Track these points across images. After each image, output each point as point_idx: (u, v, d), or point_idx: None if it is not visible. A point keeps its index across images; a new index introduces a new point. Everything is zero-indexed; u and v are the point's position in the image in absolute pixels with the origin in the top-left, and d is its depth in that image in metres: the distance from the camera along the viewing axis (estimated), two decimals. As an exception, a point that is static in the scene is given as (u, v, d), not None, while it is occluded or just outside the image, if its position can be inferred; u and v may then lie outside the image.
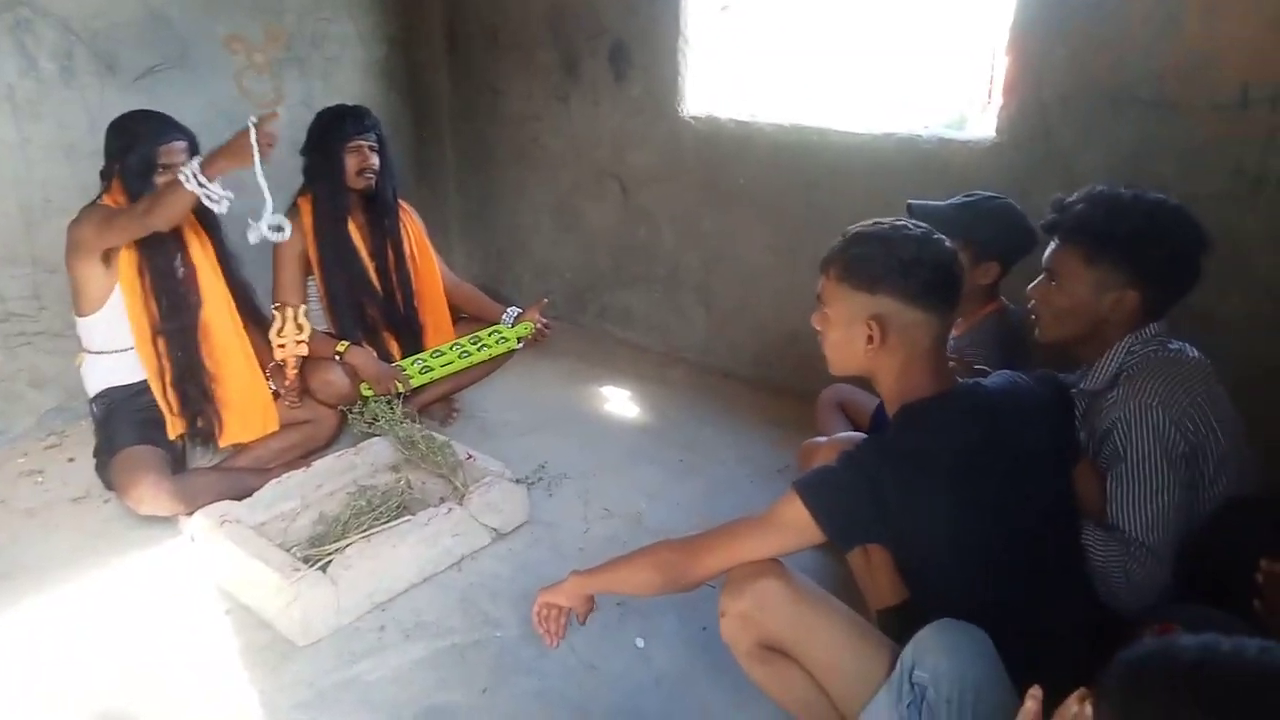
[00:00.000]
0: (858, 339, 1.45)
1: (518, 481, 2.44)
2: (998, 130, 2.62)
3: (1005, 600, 1.42)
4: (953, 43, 2.80)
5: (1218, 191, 2.29)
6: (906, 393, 1.46)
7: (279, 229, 2.20)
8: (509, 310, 2.96)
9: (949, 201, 2.23)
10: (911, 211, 2.22)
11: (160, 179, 2.36)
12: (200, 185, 2.12)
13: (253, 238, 2.20)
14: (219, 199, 2.16)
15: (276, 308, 2.60)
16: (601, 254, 3.76)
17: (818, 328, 1.53)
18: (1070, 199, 1.75)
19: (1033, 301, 1.81)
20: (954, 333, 2.31)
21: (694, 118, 3.28)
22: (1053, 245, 1.77)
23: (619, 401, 3.23)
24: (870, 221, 1.48)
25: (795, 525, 1.41)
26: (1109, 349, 1.71)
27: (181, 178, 2.13)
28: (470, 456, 2.49)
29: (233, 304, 2.59)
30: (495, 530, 2.34)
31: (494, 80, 3.85)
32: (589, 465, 2.71)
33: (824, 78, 3.07)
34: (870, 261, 1.42)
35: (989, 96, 2.64)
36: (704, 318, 3.52)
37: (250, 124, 2.10)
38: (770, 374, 3.32)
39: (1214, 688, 0.74)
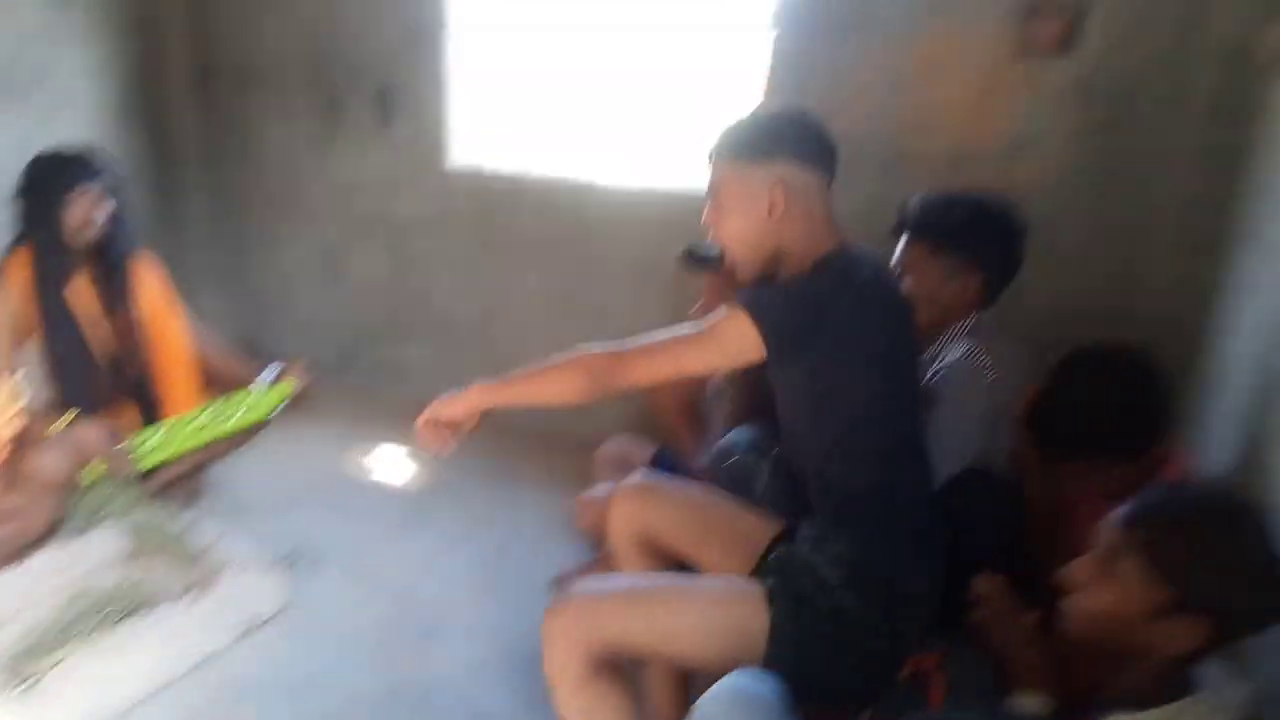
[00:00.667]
0: (759, 212, 1.48)
1: (272, 564, 2.23)
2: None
3: (912, 434, 1.55)
4: (713, 99, 2.91)
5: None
6: (815, 254, 1.49)
7: None
8: (266, 370, 2.72)
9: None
10: (691, 253, 2.29)
11: None
12: None
13: None
14: None
15: None
16: (372, 306, 3.58)
17: (710, 223, 1.57)
18: (912, 203, 1.97)
19: None
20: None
21: (464, 167, 3.21)
22: (901, 243, 1.94)
23: (393, 464, 3.05)
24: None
25: (737, 337, 1.42)
26: (955, 324, 1.90)
27: None
28: (217, 540, 2.25)
29: None
30: (247, 622, 2.12)
31: (249, 123, 3.60)
32: (357, 538, 2.53)
33: (592, 130, 3.09)
34: (763, 133, 1.50)
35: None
36: (482, 369, 3.40)
37: None
38: (551, 425, 3.25)
39: None
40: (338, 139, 3.43)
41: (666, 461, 2.43)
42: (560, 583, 2.37)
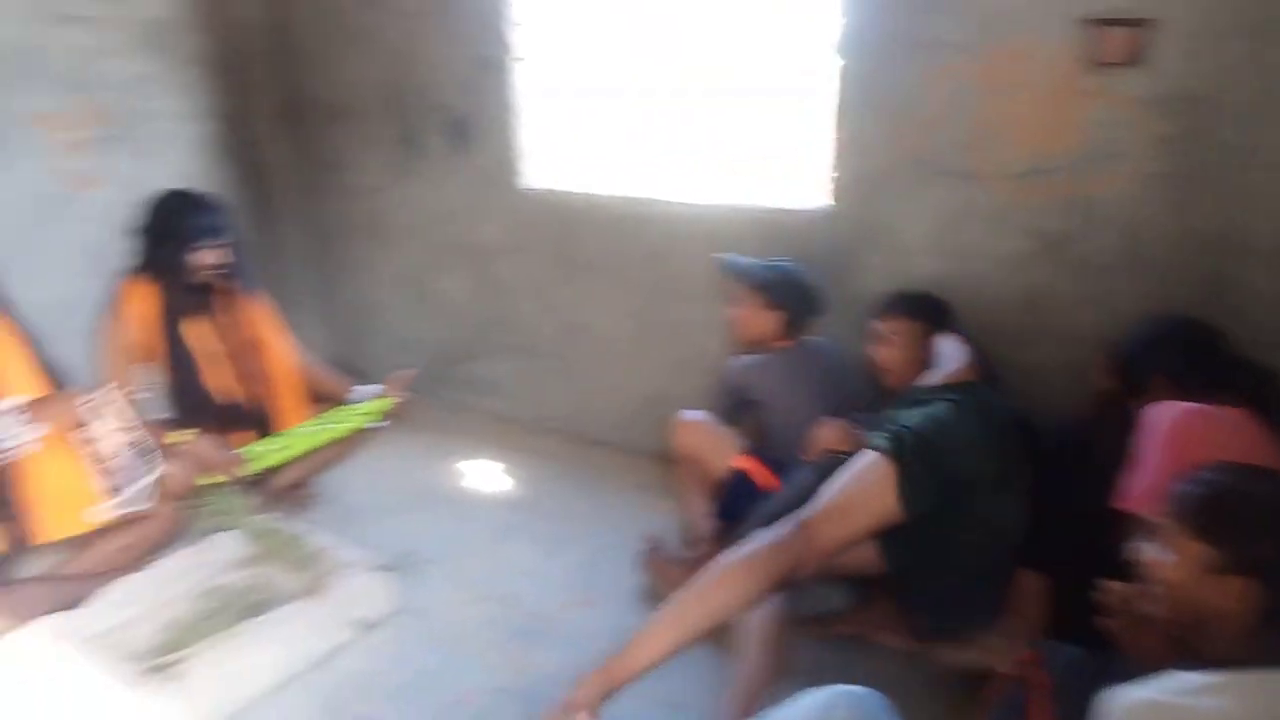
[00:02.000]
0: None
1: (382, 568, 2.35)
2: (830, 198, 2.82)
3: None
4: (786, 116, 2.99)
5: (1019, 251, 2.56)
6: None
7: None
8: (364, 387, 2.87)
9: (758, 262, 2.68)
10: (725, 265, 2.68)
11: None
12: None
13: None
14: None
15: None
16: (459, 325, 3.72)
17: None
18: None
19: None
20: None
21: (536, 190, 3.34)
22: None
23: (487, 476, 3.18)
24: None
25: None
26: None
27: None
28: (329, 545, 2.37)
29: (39, 390, 2.39)
30: (361, 623, 2.24)
31: (334, 155, 3.79)
32: (459, 546, 2.64)
33: (664, 150, 3.20)
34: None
35: (820, 168, 2.84)
36: (564, 386, 3.54)
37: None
38: (632, 438, 3.37)
39: None
40: (415, 168, 3.60)
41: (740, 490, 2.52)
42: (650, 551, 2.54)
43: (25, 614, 2.09)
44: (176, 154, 3.54)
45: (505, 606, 2.38)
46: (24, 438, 2.09)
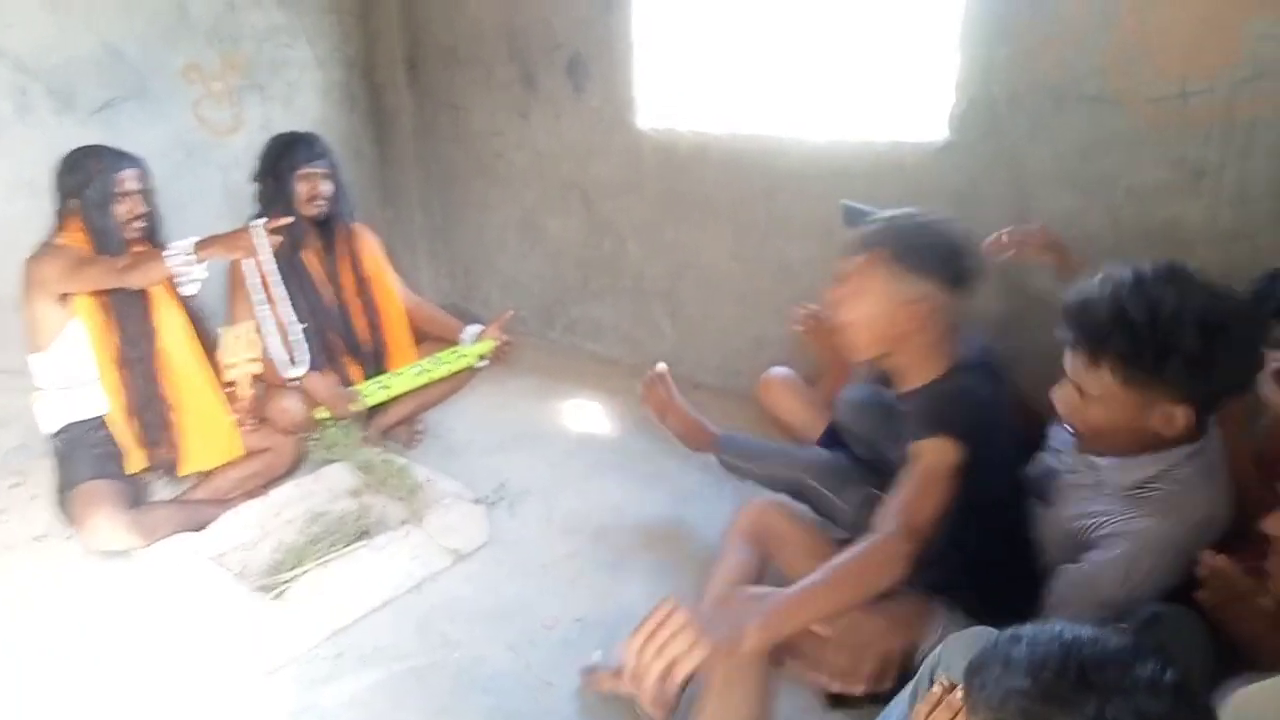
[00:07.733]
0: (895, 313, 1.64)
1: (477, 501, 2.44)
2: (949, 130, 2.63)
3: None
4: (903, 44, 2.80)
5: (1161, 182, 2.31)
6: (929, 371, 1.70)
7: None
8: (470, 327, 2.95)
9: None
10: (847, 208, 2.10)
11: (118, 207, 2.41)
12: (184, 263, 2.22)
13: None
14: (193, 281, 2.27)
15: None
16: (567, 267, 3.76)
17: (838, 299, 1.72)
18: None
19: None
20: None
21: (652, 129, 3.29)
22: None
23: (586, 415, 3.22)
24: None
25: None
26: None
27: (170, 251, 2.23)
28: (429, 479, 2.48)
29: (190, 329, 2.60)
30: (455, 551, 2.33)
31: (455, 98, 3.87)
32: (553, 481, 2.71)
33: (777, 85, 3.07)
34: (929, 249, 1.63)
35: (940, 96, 2.65)
36: (671, 327, 3.52)
37: (252, 225, 2.26)
38: (736, 381, 3.32)
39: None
40: (534, 109, 3.61)
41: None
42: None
43: (154, 534, 2.31)
44: (306, 101, 3.71)
45: (593, 540, 2.42)
46: (195, 274, 2.26)
